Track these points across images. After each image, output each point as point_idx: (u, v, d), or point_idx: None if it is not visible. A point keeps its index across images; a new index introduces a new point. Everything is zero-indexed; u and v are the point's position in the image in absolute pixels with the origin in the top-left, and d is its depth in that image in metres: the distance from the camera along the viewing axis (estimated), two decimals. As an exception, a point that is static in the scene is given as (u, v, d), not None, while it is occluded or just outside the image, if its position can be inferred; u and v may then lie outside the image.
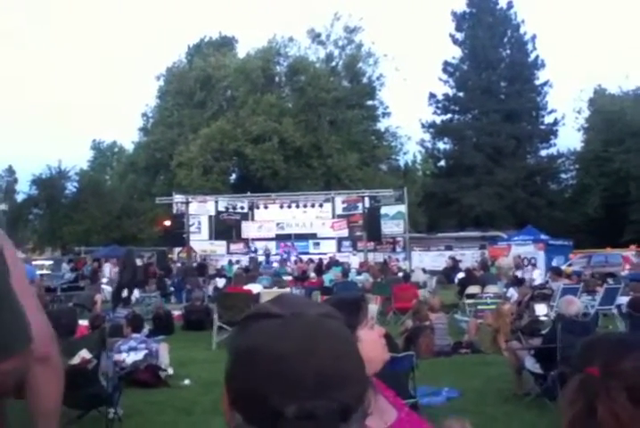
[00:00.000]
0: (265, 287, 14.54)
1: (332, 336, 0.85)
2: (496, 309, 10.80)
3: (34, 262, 22.82)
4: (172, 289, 19.90)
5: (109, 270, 24.20)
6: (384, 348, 1.82)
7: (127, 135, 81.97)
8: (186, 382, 8.01)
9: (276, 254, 29.36)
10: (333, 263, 24.53)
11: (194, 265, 25.24)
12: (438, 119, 47.74)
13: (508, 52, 45.99)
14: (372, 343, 1.75)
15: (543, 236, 25.28)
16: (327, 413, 0.79)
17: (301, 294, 14.84)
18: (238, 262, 25.64)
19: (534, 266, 21.71)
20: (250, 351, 0.83)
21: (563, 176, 48.12)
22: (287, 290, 15.45)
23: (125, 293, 14.83)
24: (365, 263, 24.79)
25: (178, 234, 28.32)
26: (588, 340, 1.36)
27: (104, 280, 21.62)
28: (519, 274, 18.14)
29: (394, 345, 6.67)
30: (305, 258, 27.64)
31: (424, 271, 21.24)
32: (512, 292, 14.47)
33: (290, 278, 21.08)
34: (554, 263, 21.86)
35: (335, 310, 0.91)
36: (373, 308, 10.93)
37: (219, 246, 30.97)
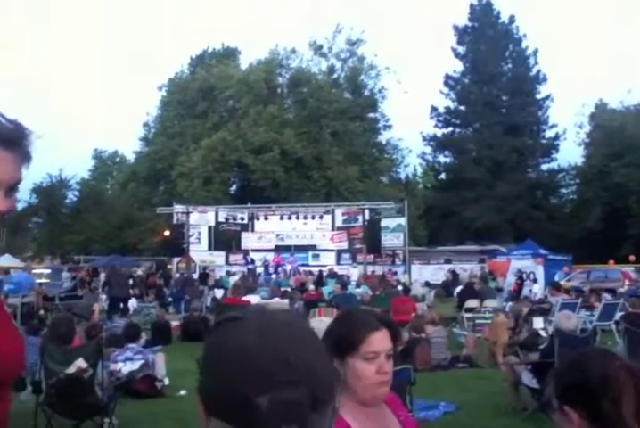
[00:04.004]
0: (263, 298, 14.55)
1: (289, 327, 0.88)
2: (491, 322, 10.80)
3: (33, 271, 22.78)
4: (170, 299, 19.86)
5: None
6: (379, 386, 1.70)
7: (129, 145, 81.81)
8: (182, 392, 7.96)
9: (272, 266, 29.25)
10: (330, 276, 24.49)
11: (194, 274, 25.19)
12: (439, 132, 47.92)
13: (510, 66, 46.11)
14: (361, 375, 1.67)
15: (542, 251, 25.24)
16: (298, 402, 0.80)
17: (300, 306, 14.75)
18: (235, 273, 25.56)
19: (534, 281, 21.68)
20: (215, 350, 0.86)
21: (564, 190, 48.17)
22: (286, 301, 15.39)
23: (121, 305, 14.88)
24: (364, 276, 24.73)
25: (178, 245, 28.31)
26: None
27: (100, 290, 21.56)
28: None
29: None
30: (304, 269, 27.55)
31: (427, 284, 21.23)
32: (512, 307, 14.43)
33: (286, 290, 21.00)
34: (556, 278, 21.81)
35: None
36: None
37: (218, 257, 30.88)
